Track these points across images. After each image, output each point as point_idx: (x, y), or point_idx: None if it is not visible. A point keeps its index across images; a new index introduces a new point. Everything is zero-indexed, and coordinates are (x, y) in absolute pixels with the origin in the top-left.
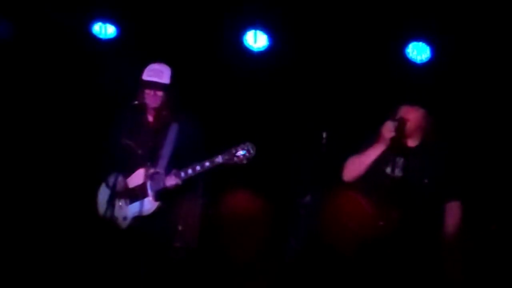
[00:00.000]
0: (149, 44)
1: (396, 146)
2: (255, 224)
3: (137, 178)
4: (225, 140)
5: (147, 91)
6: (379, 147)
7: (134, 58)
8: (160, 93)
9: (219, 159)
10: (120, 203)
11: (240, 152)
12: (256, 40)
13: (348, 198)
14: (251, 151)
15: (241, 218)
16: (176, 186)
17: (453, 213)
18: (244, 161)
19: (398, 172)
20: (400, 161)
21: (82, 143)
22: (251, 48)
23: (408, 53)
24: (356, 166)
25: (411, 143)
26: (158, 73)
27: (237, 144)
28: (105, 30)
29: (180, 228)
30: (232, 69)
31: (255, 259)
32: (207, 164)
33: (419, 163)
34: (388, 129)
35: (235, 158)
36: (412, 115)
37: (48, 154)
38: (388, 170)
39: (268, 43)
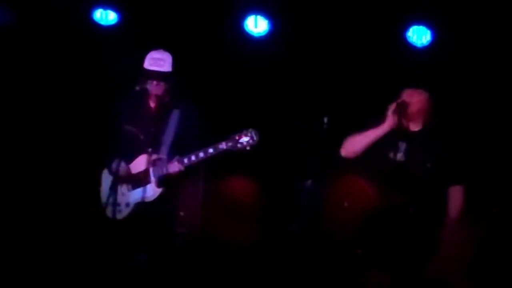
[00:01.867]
0: (150, 31)
1: (399, 130)
2: (257, 209)
3: (139, 164)
4: (228, 126)
5: (149, 80)
6: (382, 128)
7: (136, 45)
8: (162, 82)
9: (222, 145)
10: (123, 189)
11: (244, 139)
12: (257, 25)
13: (350, 182)
14: (255, 138)
15: (243, 204)
16: (179, 173)
17: (456, 197)
18: (248, 148)
19: (400, 157)
20: (402, 145)
21: (85, 129)
22: (252, 33)
23: (409, 37)
24: (355, 142)
25: (414, 127)
26: (159, 61)
27: (240, 131)
28: (106, 16)
29: (182, 214)
30: (233, 54)
31: (257, 244)
32: (210, 150)
33: (422, 148)
34: (394, 111)
35: (239, 145)
36: (415, 98)
37: (51, 140)
38: (391, 154)
39: (268, 28)
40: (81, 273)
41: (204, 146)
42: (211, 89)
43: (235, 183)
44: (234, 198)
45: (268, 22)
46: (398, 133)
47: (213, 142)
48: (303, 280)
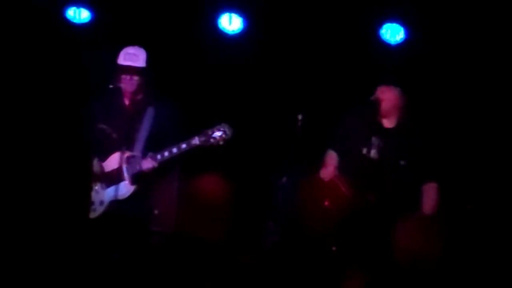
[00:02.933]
0: (123, 28)
1: (373, 126)
2: (232, 207)
3: (113, 162)
4: (202, 123)
5: (123, 76)
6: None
7: (109, 43)
8: (136, 77)
9: (195, 140)
10: (97, 188)
11: (217, 134)
12: (231, 22)
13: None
14: (227, 132)
15: (218, 201)
16: (153, 169)
17: (430, 194)
18: (221, 142)
19: (374, 154)
20: (376, 142)
21: (57, 128)
22: (226, 31)
23: (383, 34)
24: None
25: (388, 124)
26: (133, 57)
27: (213, 126)
28: (79, 14)
29: (156, 212)
30: (207, 52)
31: (232, 243)
32: (183, 146)
33: (396, 144)
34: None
35: (212, 140)
36: (387, 95)
37: (23, 139)
38: (365, 151)
39: (243, 26)
40: (56, 271)
41: (177, 142)
42: (186, 86)
43: (210, 181)
44: (209, 196)
45: (242, 20)
46: (372, 130)
47: (187, 138)
48: (279, 277)
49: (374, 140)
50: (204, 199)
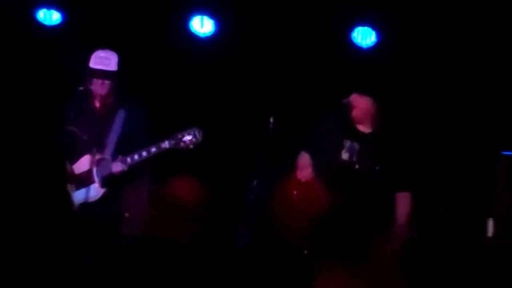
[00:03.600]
0: (95, 30)
1: (345, 129)
2: (204, 210)
3: (83, 164)
4: (173, 126)
5: (95, 79)
6: None
7: (80, 45)
8: (107, 81)
9: (165, 144)
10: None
11: (187, 137)
12: (203, 25)
13: (298, 182)
14: (197, 136)
15: (189, 204)
16: (122, 172)
17: (403, 203)
18: (191, 146)
19: (345, 156)
20: (347, 143)
21: (27, 130)
22: (197, 34)
23: (354, 37)
24: None
25: (364, 129)
26: (105, 60)
27: (183, 129)
28: (50, 16)
29: (127, 215)
30: (179, 54)
31: (204, 246)
32: (153, 149)
33: (371, 150)
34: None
35: (182, 143)
36: (360, 103)
37: None
38: (340, 154)
39: (214, 29)
40: (27, 272)
41: (148, 145)
42: (157, 89)
43: (181, 184)
44: (180, 199)
45: (213, 23)
46: (344, 133)
47: (157, 141)
48: (250, 279)
49: (346, 142)
50: (175, 202)
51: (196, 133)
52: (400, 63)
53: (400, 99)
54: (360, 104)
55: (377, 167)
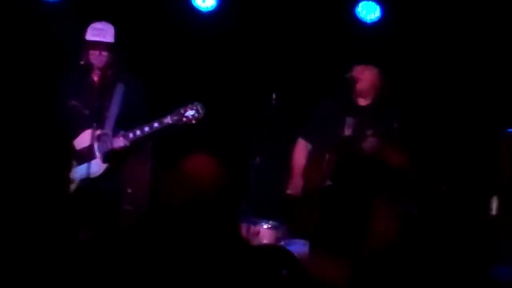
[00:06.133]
0: (95, 4)
1: (347, 105)
2: (206, 186)
3: (84, 139)
4: (174, 101)
5: (91, 51)
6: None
7: (80, 18)
8: (104, 53)
9: (167, 119)
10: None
11: (189, 112)
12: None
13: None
14: (200, 111)
15: (192, 181)
16: (124, 148)
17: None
18: (193, 121)
19: (348, 132)
20: (350, 120)
21: (29, 106)
22: (199, 8)
23: (358, 12)
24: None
25: (363, 102)
26: (101, 32)
27: (185, 104)
28: None
29: (129, 190)
30: (181, 29)
31: (206, 222)
32: (155, 124)
33: (369, 122)
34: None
35: (184, 118)
36: (365, 75)
37: None
38: (339, 129)
39: (216, 3)
40: (28, 249)
41: (149, 120)
42: (158, 63)
43: (184, 160)
44: (183, 175)
45: None
46: (346, 109)
47: (159, 117)
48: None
49: (348, 119)
50: (178, 177)
51: (199, 108)
52: (405, 38)
53: (404, 74)
54: (365, 76)
55: (369, 132)
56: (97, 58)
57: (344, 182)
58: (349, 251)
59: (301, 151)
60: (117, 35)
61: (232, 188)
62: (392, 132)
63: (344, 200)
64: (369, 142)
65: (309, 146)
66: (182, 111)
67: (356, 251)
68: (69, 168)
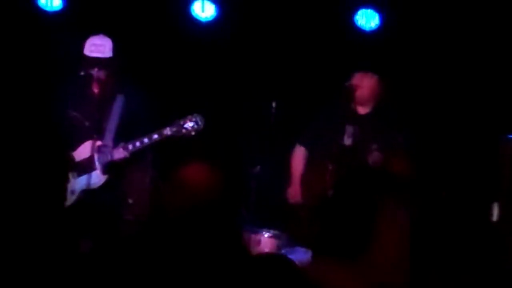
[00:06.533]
0: (95, 15)
1: (347, 114)
2: (206, 196)
3: (84, 151)
4: (174, 112)
5: (91, 68)
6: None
7: (82, 30)
8: (104, 68)
9: (167, 131)
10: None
11: (189, 124)
12: (204, 9)
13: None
14: (199, 123)
15: (192, 191)
16: (124, 159)
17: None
18: (192, 133)
19: (348, 141)
20: (349, 129)
21: (28, 117)
22: (198, 18)
23: (357, 20)
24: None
25: (362, 110)
26: (99, 47)
27: (185, 116)
28: (51, 2)
29: (130, 201)
30: (180, 39)
31: (206, 231)
32: (155, 136)
33: (369, 130)
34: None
35: (183, 130)
36: (365, 82)
37: None
38: (339, 138)
39: (216, 13)
40: (28, 261)
41: (149, 132)
42: (158, 74)
43: (184, 170)
44: (183, 185)
45: (215, 7)
46: (346, 117)
47: (159, 127)
48: (252, 264)
49: (348, 127)
50: (177, 188)
51: (198, 119)
52: (404, 46)
53: (403, 81)
54: (365, 83)
55: (374, 147)
56: (97, 73)
57: (348, 192)
58: (356, 258)
59: (299, 158)
60: (115, 47)
61: (232, 196)
62: (397, 146)
63: (349, 208)
64: (374, 156)
65: (307, 153)
66: (181, 122)
67: (363, 257)
68: (67, 180)
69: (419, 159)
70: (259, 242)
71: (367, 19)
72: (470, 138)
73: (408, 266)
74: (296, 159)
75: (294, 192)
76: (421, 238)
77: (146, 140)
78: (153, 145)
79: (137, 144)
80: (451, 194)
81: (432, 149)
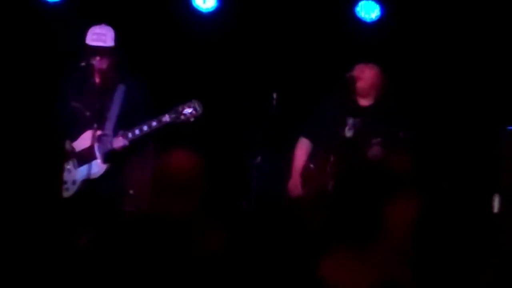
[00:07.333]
0: (96, 6)
1: (348, 105)
2: (207, 187)
3: (84, 140)
4: (173, 102)
5: (92, 56)
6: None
7: (80, 20)
8: (105, 57)
9: (166, 118)
10: (69, 167)
11: (187, 110)
12: (205, 0)
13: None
14: (197, 109)
15: (192, 181)
16: (124, 148)
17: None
18: (191, 119)
19: (349, 133)
20: (350, 120)
21: (29, 107)
22: (199, 9)
23: (358, 12)
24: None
25: (364, 102)
26: (101, 37)
27: (183, 102)
28: None
29: (130, 191)
30: (181, 29)
31: (207, 222)
32: (154, 123)
33: (371, 123)
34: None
35: (182, 116)
36: (366, 73)
37: None
38: (340, 130)
39: (216, 4)
40: (28, 252)
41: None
42: (158, 64)
43: (184, 160)
44: (183, 175)
45: None
46: (347, 109)
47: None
48: (254, 257)
49: (349, 119)
50: (177, 177)
51: (196, 105)
52: (404, 37)
53: (404, 72)
54: (366, 75)
55: (374, 141)
56: (98, 62)
57: (349, 184)
58: (364, 246)
59: (302, 150)
60: (117, 37)
61: (232, 188)
62: (398, 142)
63: (354, 200)
64: (375, 151)
65: (311, 145)
66: (180, 109)
67: (370, 246)
68: (63, 170)
69: (419, 152)
70: None
71: (368, 11)
72: (471, 130)
73: (412, 257)
74: (299, 151)
75: (294, 185)
76: (423, 230)
77: (145, 127)
78: (153, 133)
79: (137, 132)
80: (452, 187)
81: (433, 141)
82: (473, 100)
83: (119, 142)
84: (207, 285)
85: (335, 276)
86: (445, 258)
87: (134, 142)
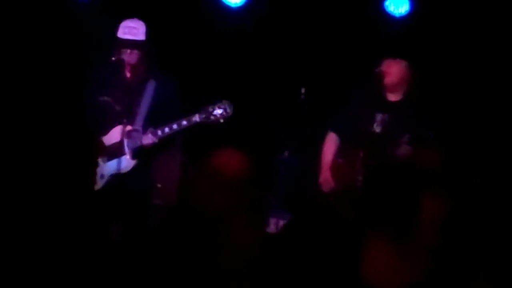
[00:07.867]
0: (126, 1)
1: (376, 101)
2: (235, 182)
3: (114, 135)
4: (203, 98)
5: (123, 49)
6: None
7: (111, 16)
8: (136, 51)
9: (196, 118)
10: (98, 161)
11: (217, 111)
12: None
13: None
14: (228, 110)
15: (221, 176)
16: (153, 144)
17: None
18: (221, 120)
19: (378, 128)
20: (379, 116)
21: (61, 102)
22: (228, 4)
23: (387, 6)
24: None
25: (393, 97)
26: (133, 30)
27: (214, 103)
28: None
29: (159, 185)
30: (210, 25)
31: (235, 217)
32: (184, 122)
33: (400, 118)
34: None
35: (212, 117)
36: (394, 68)
37: (24, 113)
38: (369, 125)
39: None
40: (58, 246)
41: (179, 118)
42: (188, 60)
43: (213, 156)
44: (212, 171)
45: None
46: (376, 104)
47: (189, 113)
48: (285, 252)
49: (378, 115)
50: (207, 173)
51: (227, 106)
52: (433, 32)
53: (433, 68)
54: (393, 70)
55: (407, 135)
56: (129, 55)
57: (379, 183)
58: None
59: (330, 145)
60: (148, 32)
61: (260, 182)
62: (428, 141)
63: (383, 197)
64: (403, 149)
65: (339, 140)
66: (210, 109)
67: (404, 241)
68: (96, 164)
69: (449, 149)
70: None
71: (397, 5)
72: (501, 124)
73: (442, 253)
74: (327, 146)
75: (325, 179)
76: (455, 226)
77: (175, 126)
78: (182, 131)
79: (166, 129)
80: (482, 181)
81: (462, 137)
82: (502, 96)
83: (148, 139)
84: (239, 281)
85: (371, 273)
86: (476, 253)
87: (162, 139)
